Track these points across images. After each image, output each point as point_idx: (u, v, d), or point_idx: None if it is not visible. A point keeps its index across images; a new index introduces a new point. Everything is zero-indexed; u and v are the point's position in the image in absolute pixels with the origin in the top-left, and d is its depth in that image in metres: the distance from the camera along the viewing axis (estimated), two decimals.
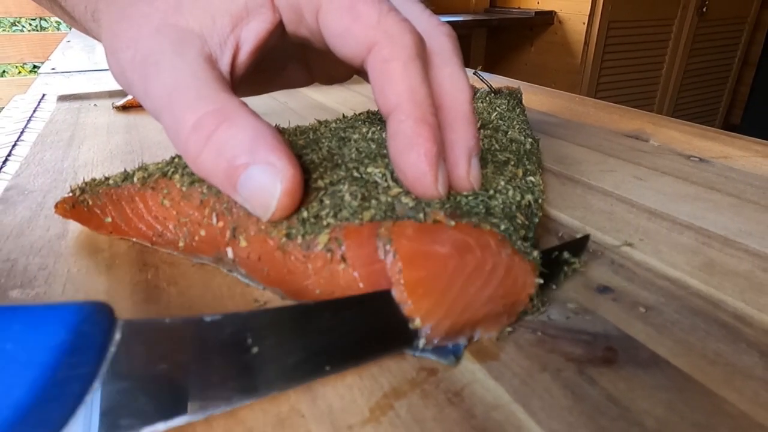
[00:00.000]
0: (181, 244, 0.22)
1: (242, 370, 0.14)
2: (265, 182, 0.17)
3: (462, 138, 0.20)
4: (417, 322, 0.16)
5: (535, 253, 0.18)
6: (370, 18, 0.18)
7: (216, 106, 0.18)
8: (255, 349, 0.15)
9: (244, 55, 0.21)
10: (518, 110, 0.38)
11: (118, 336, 0.14)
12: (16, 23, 2.87)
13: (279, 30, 0.21)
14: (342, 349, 0.16)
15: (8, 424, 0.11)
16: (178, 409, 0.13)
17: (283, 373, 0.15)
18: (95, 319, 0.14)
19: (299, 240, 0.18)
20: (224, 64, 0.20)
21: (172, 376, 0.14)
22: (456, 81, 0.21)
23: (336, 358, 0.15)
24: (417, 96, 0.18)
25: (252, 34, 0.21)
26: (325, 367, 0.15)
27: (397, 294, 0.16)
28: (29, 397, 0.12)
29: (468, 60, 2.03)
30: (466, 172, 0.20)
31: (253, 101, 0.55)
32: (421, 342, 0.16)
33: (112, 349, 0.14)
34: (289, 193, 0.18)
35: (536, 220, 0.22)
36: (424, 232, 0.17)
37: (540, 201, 0.24)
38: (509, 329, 0.18)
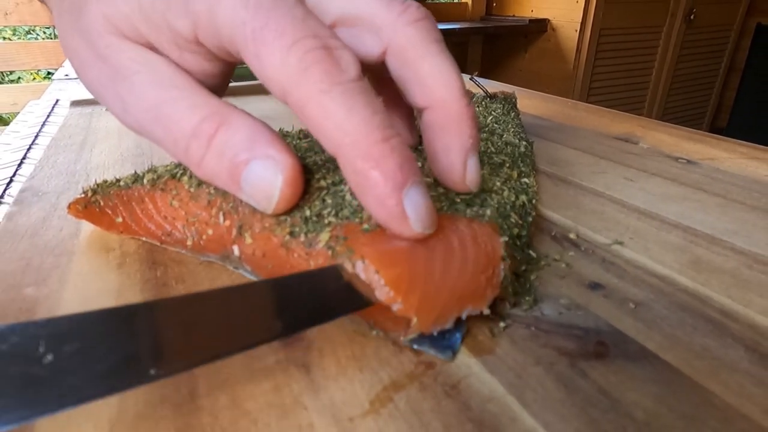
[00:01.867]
0: (189, 242, 0.22)
1: (32, 382, 0.12)
2: (266, 174, 0.17)
3: (455, 141, 0.19)
4: (414, 322, 0.16)
5: (488, 212, 0.18)
6: (272, 63, 0.16)
7: (210, 110, 0.18)
8: (49, 357, 0.12)
9: (202, 75, 0.20)
10: (513, 114, 0.38)
11: None
12: (31, 31, 2.88)
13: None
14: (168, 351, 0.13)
15: None
16: None
17: (89, 382, 0.12)
18: None
19: (302, 238, 0.18)
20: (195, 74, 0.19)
21: None
22: (439, 75, 0.18)
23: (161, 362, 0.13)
24: (350, 134, 0.15)
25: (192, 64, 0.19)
26: (150, 371, 0.13)
27: (384, 296, 0.16)
28: None
29: (465, 66, 2.03)
30: (461, 176, 0.19)
31: (256, 104, 0.55)
32: (412, 335, 0.16)
33: None
34: (289, 182, 0.18)
35: (530, 219, 0.22)
36: (378, 236, 0.17)
37: (534, 201, 0.24)
38: (503, 324, 0.18)
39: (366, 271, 0.16)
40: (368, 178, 0.15)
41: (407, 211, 0.16)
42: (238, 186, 0.18)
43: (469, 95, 0.19)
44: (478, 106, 0.38)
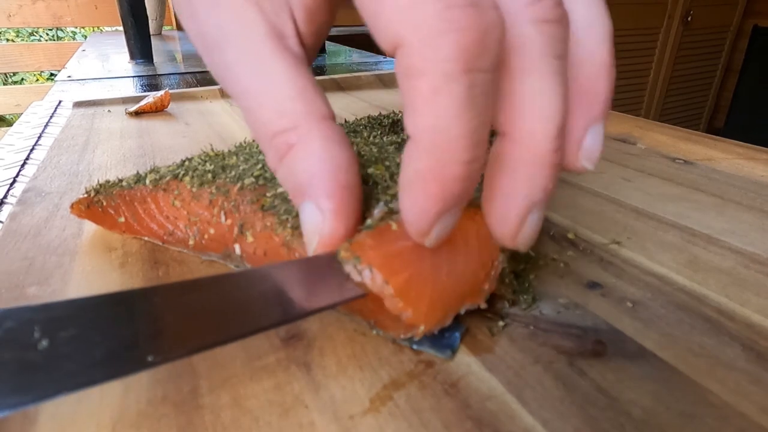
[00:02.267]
0: (191, 242, 0.22)
1: (28, 368, 0.12)
2: (310, 223, 0.16)
3: (522, 188, 0.15)
4: (421, 329, 0.15)
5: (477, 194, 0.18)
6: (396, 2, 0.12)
7: (291, 122, 0.16)
8: (44, 343, 0.12)
9: (304, 25, 0.17)
10: None
11: None
12: (34, 33, 2.88)
13: None
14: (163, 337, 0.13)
15: None
16: None
17: (86, 368, 0.12)
18: None
19: (303, 237, 0.18)
20: (290, 38, 0.17)
21: None
22: (538, 101, 0.14)
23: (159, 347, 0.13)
24: (442, 141, 0.13)
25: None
26: (147, 358, 0.12)
27: (392, 306, 0.15)
28: None
29: None
30: (513, 233, 0.15)
31: None
32: (416, 335, 0.16)
33: None
34: (323, 245, 0.16)
35: None
36: (382, 235, 0.16)
37: None
38: (502, 323, 0.18)
39: (374, 280, 0.15)
40: (422, 190, 0.14)
41: (433, 231, 0.14)
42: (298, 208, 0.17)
43: (561, 138, 0.14)
44: None
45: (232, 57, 0.16)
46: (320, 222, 0.16)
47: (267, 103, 0.16)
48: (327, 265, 0.16)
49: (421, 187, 0.14)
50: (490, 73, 0.12)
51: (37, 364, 0.12)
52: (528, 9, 0.13)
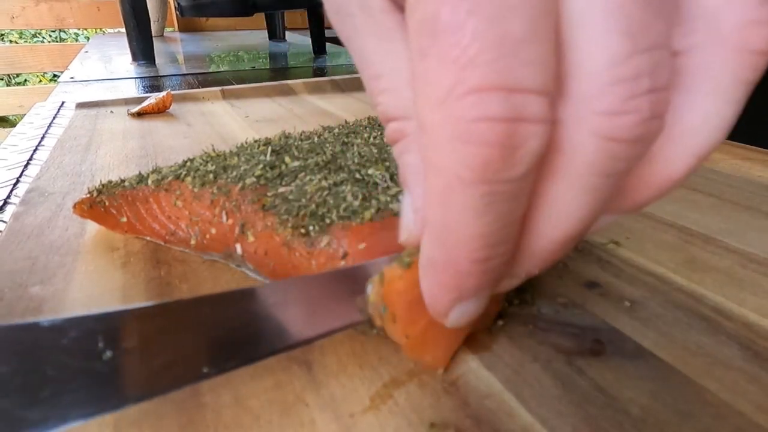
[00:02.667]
0: (192, 241, 0.22)
1: (94, 378, 0.12)
2: (404, 217, 0.15)
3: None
4: (440, 371, 0.16)
5: None
6: (434, 89, 0.10)
7: (404, 112, 0.14)
8: (108, 354, 0.12)
9: None
10: None
11: None
12: (37, 35, 2.88)
13: None
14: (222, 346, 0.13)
15: None
16: (26, 422, 0.11)
17: (148, 379, 0.12)
18: None
19: (303, 237, 0.18)
20: None
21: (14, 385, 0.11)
22: (545, 215, 0.12)
23: (216, 357, 0.13)
24: (450, 238, 0.12)
25: None
26: (203, 369, 0.13)
27: (410, 352, 0.15)
28: None
29: None
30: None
31: (259, 107, 0.55)
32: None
33: None
34: (410, 244, 0.15)
35: None
36: (410, 276, 0.15)
37: None
38: (501, 322, 0.18)
39: (394, 331, 0.15)
40: (434, 278, 0.13)
41: (450, 316, 0.14)
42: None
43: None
44: None
45: (355, 24, 0.14)
46: (411, 222, 0.14)
47: (385, 84, 0.14)
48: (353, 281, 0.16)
49: (433, 274, 0.13)
50: (517, 182, 0.11)
51: (103, 375, 0.12)
52: (595, 119, 0.10)
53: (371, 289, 0.15)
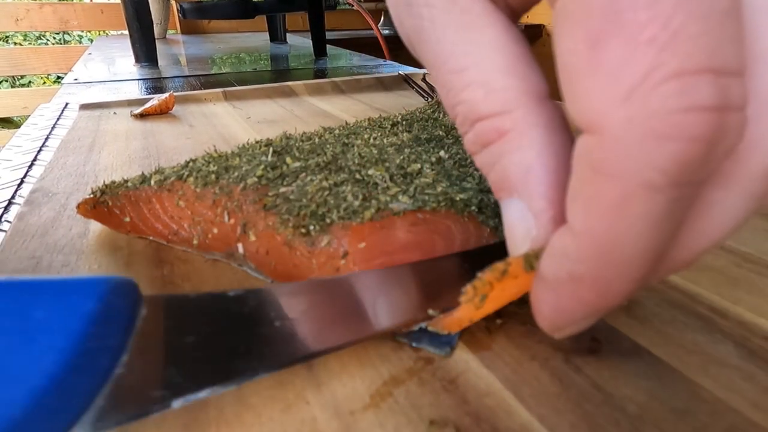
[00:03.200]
0: (195, 241, 0.22)
1: (265, 343, 0.14)
2: (518, 226, 0.13)
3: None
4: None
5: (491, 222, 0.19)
6: (617, 81, 0.09)
7: (503, 105, 0.12)
8: (277, 323, 0.14)
9: None
10: None
11: (144, 311, 0.13)
12: (41, 37, 2.87)
13: None
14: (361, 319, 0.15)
15: (41, 392, 0.11)
16: (208, 380, 0.13)
17: (303, 346, 0.14)
18: (123, 292, 0.13)
19: (304, 236, 0.18)
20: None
21: (199, 348, 0.13)
22: (706, 227, 0.11)
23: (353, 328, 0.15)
24: (614, 256, 0.10)
25: None
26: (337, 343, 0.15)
27: (443, 327, 0.16)
28: (60, 365, 0.11)
29: None
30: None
31: (260, 108, 0.55)
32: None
33: (139, 323, 0.13)
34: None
35: None
36: (527, 279, 0.14)
37: None
38: (499, 321, 0.18)
39: (466, 317, 0.15)
40: (573, 294, 0.11)
41: (565, 331, 0.13)
42: (499, 201, 0.14)
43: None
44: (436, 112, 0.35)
45: (432, 15, 0.13)
46: (532, 227, 0.13)
47: (471, 77, 0.12)
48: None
49: (573, 290, 0.11)
50: (701, 184, 0.09)
51: (276, 338, 0.14)
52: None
53: (488, 275, 0.14)
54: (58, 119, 0.51)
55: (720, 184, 0.10)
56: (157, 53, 0.84)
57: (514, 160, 0.12)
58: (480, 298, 0.14)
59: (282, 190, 0.20)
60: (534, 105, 0.12)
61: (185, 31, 1.50)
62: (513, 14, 0.13)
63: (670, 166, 0.08)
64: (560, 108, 0.13)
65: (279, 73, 0.82)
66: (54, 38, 2.86)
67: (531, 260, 0.13)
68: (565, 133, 0.13)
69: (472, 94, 0.12)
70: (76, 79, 0.73)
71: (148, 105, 0.48)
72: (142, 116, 0.48)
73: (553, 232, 0.12)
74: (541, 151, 0.12)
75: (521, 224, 0.13)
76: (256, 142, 0.27)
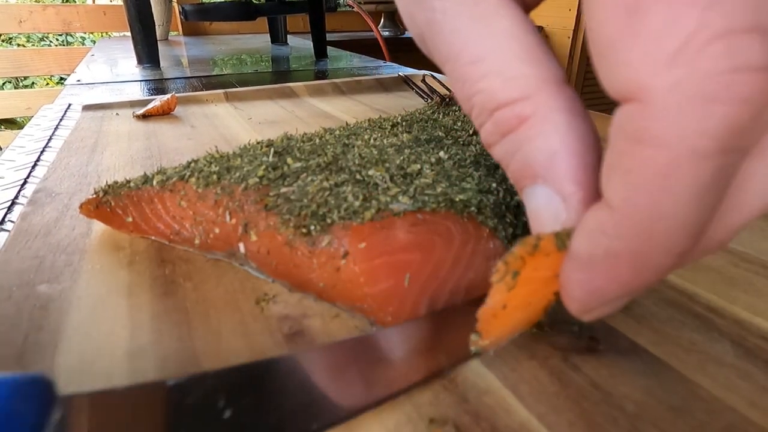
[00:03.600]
0: (196, 241, 0.22)
1: None
2: (546, 210, 0.13)
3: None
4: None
5: (492, 222, 0.18)
6: (661, 45, 0.08)
7: (522, 92, 0.12)
8: (227, 414, 0.12)
9: None
10: None
11: (58, 413, 0.11)
12: (44, 38, 2.87)
13: None
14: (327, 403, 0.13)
15: None
16: None
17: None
18: (28, 392, 0.11)
19: (305, 236, 0.18)
20: None
21: None
22: (749, 192, 0.11)
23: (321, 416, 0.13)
24: (658, 226, 0.10)
25: None
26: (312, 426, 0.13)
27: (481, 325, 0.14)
28: None
29: None
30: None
31: (262, 109, 0.55)
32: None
33: (50, 429, 0.11)
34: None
35: (524, 219, 0.22)
36: (557, 258, 0.13)
37: None
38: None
39: (498, 298, 0.14)
40: (609, 272, 0.11)
41: (596, 312, 0.12)
42: (521, 191, 0.14)
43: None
44: (435, 112, 0.35)
45: (444, 7, 0.13)
46: (561, 211, 0.12)
47: (488, 66, 0.12)
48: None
49: (609, 268, 0.11)
50: (746, 152, 0.09)
51: None
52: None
53: (520, 249, 0.13)
54: (61, 120, 0.51)
55: (760, 154, 0.10)
56: (159, 55, 0.84)
57: (538, 145, 0.12)
58: (512, 275, 0.13)
59: (283, 190, 0.20)
60: (554, 90, 0.12)
61: (187, 32, 1.50)
62: (525, 6, 0.13)
63: (719, 131, 0.08)
64: (577, 95, 0.13)
65: (280, 74, 0.82)
66: (57, 40, 2.86)
67: (563, 238, 0.12)
68: (586, 117, 0.12)
69: (489, 83, 0.12)
70: (78, 81, 0.73)
71: (150, 106, 0.48)
72: (145, 117, 0.48)
73: (582, 214, 0.12)
74: (566, 135, 0.12)
75: (548, 209, 0.13)
76: (258, 142, 0.26)
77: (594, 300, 0.12)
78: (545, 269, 0.13)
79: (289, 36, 1.28)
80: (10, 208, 0.30)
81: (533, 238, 0.13)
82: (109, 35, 1.80)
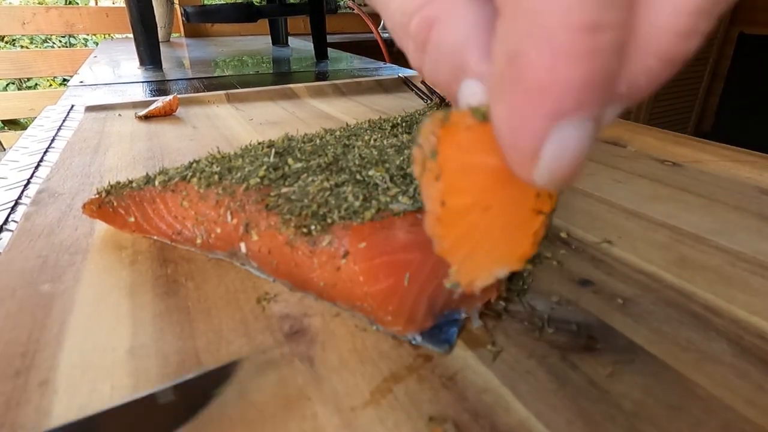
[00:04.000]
0: (198, 241, 0.22)
1: None
2: (474, 99, 0.12)
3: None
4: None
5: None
6: None
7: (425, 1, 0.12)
8: None
9: None
10: None
11: None
12: (47, 40, 2.87)
13: None
14: None
15: None
16: None
17: None
18: None
19: (306, 236, 0.18)
20: None
21: None
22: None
23: None
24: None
25: None
26: None
27: (441, 243, 0.13)
28: None
29: None
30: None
31: (263, 110, 0.55)
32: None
33: None
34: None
35: None
36: (479, 134, 0.12)
37: None
38: (502, 303, 0.18)
39: (431, 192, 0.12)
40: (519, 83, 0.09)
41: (543, 153, 0.10)
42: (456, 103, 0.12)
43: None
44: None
45: None
46: (478, 90, 0.12)
47: None
48: None
49: (517, 78, 0.09)
50: None
51: None
52: None
53: (428, 125, 0.11)
54: (63, 121, 0.51)
55: None
56: (161, 56, 0.84)
57: (451, 39, 0.12)
58: (431, 155, 0.11)
59: (284, 190, 0.20)
60: None
61: (189, 34, 1.50)
62: None
63: None
64: None
65: (281, 75, 0.82)
66: (60, 41, 2.86)
67: (482, 110, 0.11)
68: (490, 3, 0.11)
69: (400, 3, 0.12)
70: (81, 82, 0.73)
71: (152, 107, 0.48)
72: (147, 118, 0.48)
73: None
74: (470, 20, 0.11)
75: (475, 98, 0.12)
76: (259, 143, 0.27)
77: (525, 128, 0.10)
78: (477, 150, 0.11)
79: (289, 37, 1.28)
80: (13, 209, 0.30)
81: (440, 112, 0.12)
82: (112, 37, 1.80)
